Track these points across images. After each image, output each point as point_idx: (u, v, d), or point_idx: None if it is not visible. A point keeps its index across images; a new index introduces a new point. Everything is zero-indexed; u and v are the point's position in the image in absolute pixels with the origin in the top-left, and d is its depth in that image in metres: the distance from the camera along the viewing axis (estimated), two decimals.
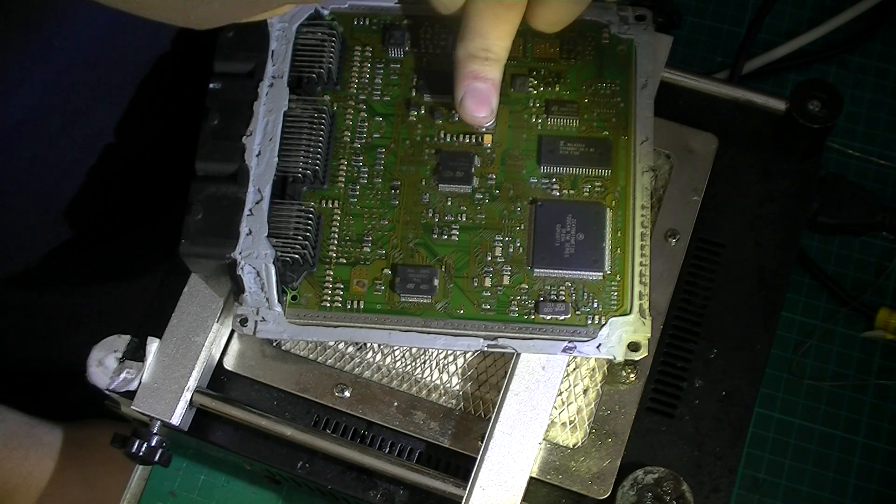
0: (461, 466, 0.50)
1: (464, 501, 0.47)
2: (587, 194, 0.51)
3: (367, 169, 0.52)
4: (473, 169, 0.51)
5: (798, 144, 0.55)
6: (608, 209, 0.50)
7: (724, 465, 0.49)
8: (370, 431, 0.51)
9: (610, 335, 0.48)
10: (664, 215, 0.54)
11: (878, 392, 0.64)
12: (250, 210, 0.49)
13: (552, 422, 0.50)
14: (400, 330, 0.49)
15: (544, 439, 0.49)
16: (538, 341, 0.48)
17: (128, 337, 0.52)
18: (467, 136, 0.52)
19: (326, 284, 0.50)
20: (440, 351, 0.52)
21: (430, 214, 0.51)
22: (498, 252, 0.50)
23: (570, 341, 0.48)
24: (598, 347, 0.48)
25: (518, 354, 0.49)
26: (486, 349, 0.48)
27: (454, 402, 0.51)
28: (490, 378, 0.52)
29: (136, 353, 0.51)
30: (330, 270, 0.50)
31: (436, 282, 0.49)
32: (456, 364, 0.52)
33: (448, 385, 0.52)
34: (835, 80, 0.71)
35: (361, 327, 0.49)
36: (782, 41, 0.72)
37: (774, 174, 0.55)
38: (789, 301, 0.65)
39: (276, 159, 0.50)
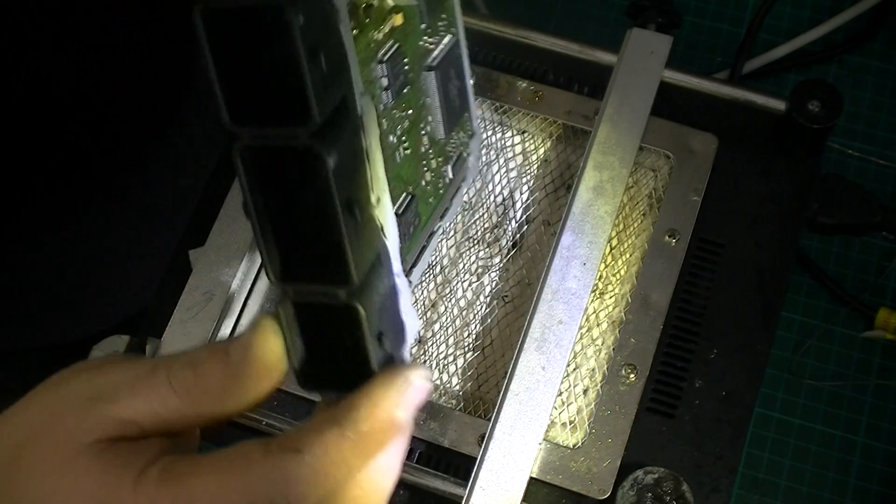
0: (461, 466, 0.50)
1: (464, 501, 0.47)
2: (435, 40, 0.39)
3: None
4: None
5: (798, 144, 0.55)
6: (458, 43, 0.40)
7: (724, 465, 0.49)
8: None
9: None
10: (664, 215, 0.54)
11: (878, 392, 0.64)
12: None
13: (552, 422, 0.50)
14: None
15: (544, 439, 0.49)
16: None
17: (127, 337, 0.52)
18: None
19: None
20: (440, 351, 0.52)
21: (391, 139, 0.37)
22: (426, 141, 0.39)
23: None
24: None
25: (518, 355, 0.49)
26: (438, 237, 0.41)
27: (454, 402, 0.51)
28: (490, 378, 0.52)
29: (136, 354, 0.51)
30: None
31: (417, 209, 0.39)
32: (456, 364, 0.52)
33: (448, 385, 0.52)
34: (835, 80, 0.71)
35: None
36: (782, 41, 0.72)
37: (774, 174, 0.55)
38: (789, 301, 0.65)
39: None
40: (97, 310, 0.67)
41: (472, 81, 0.41)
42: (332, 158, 0.30)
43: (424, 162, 0.39)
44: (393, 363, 0.33)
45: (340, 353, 0.33)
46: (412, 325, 0.35)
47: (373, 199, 0.33)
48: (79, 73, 0.59)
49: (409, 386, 0.33)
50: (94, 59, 0.60)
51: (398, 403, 0.32)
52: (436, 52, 0.39)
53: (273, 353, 0.33)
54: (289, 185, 0.31)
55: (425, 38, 0.38)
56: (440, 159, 0.40)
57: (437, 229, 0.40)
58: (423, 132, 0.38)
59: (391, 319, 0.34)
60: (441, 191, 0.40)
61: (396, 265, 0.34)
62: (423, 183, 0.39)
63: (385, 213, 0.33)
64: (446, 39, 0.40)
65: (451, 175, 0.40)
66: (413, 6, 0.37)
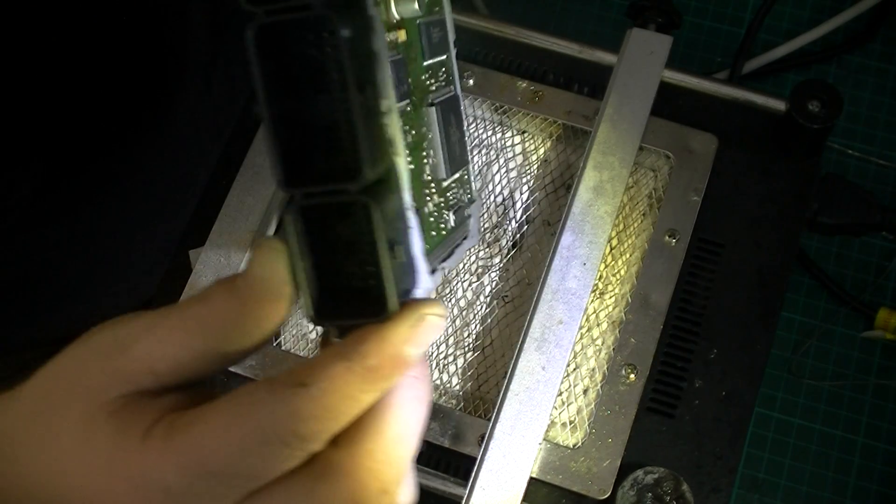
0: (461, 466, 0.50)
1: (464, 501, 0.47)
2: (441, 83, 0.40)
3: None
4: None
5: (798, 144, 0.55)
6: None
7: (724, 465, 0.49)
8: None
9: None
10: (664, 215, 0.54)
11: (877, 392, 0.64)
12: None
13: (552, 422, 0.50)
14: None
15: (544, 439, 0.49)
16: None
17: None
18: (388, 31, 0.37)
19: None
20: (440, 351, 0.52)
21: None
22: (428, 171, 0.39)
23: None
24: None
25: (518, 355, 0.49)
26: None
27: (454, 402, 0.51)
28: (490, 378, 0.52)
29: None
30: None
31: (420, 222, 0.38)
32: (456, 364, 0.52)
33: (448, 385, 0.52)
34: (835, 80, 0.71)
35: None
36: (782, 41, 0.72)
37: (774, 174, 0.55)
38: (789, 301, 0.66)
39: None
40: (96, 306, 0.67)
41: (469, 147, 0.40)
42: (345, 30, 0.28)
43: (427, 191, 0.38)
44: (408, 296, 0.31)
45: (350, 261, 0.31)
46: (423, 271, 0.33)
47: (383, 106, 0.30)
48: (76, 69, 0.59)
49: (422, 322, 0.31)
50: (92, 55, 0.60)
51: (408, 339, 0.31)
52: (437, 93, 0.38)
53: (277, 274, 0.31)
54: (298, 61, 0.29)
55: (427, 75, 0.38)
56: (441, 200, 0.39)
57: (440, 268, 0.38)
58: (425, 161, 0.37)
59: (404, 247, 0.32)
60: (443, 231, 0.39)
61: (407, 197, 0.32)
62: (426, 210, 0.37)
63: (395, 128, 0.31)
64: (447, 89, 0.39)
65: (452, 223, 0.39)
66: (416, 33, 0.37)
